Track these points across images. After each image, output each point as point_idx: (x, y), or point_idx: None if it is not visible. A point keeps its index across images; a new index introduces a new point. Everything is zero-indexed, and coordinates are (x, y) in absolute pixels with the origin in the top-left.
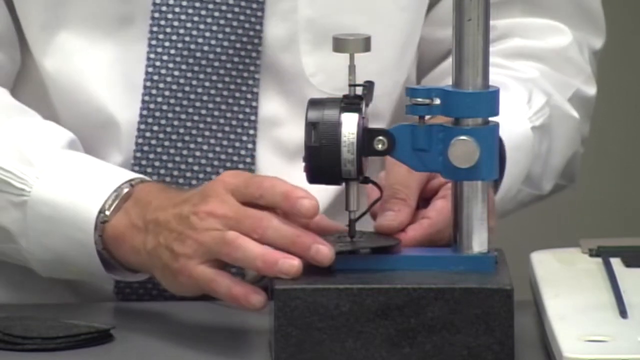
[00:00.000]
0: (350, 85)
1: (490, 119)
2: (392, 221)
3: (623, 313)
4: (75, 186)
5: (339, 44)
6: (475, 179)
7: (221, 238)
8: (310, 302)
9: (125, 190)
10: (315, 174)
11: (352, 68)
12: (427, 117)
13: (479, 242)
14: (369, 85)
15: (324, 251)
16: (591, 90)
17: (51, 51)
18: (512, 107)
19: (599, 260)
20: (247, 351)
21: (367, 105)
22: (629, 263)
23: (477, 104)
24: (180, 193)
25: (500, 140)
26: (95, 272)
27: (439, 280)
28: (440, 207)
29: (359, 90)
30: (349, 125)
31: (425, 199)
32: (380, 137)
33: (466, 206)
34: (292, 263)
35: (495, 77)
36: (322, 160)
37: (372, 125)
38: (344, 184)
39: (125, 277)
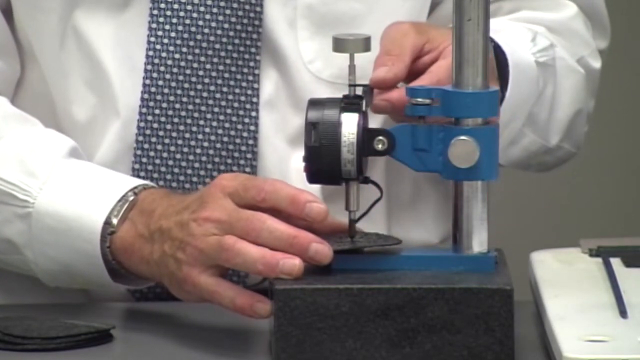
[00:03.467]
0: (350, 85)
1: (500, 44)
2: (387, 73)
3: (623, 313)
4: (79, 196)
5: (339, 44)
6: (475, 179)
7: (219, 244)
8: (310, 302)
9: (130, 199)
10: (315, 174)
11: (352, 68)
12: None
13: (479, 242)
14: (369, 85)
15: (322, 250)
16: (596, 63)
17: (68, 41)
18: (515, 40)
19: (599, 260)
20: (247, 351)
21: (367, 105)
22: (629, 263)
23: (477, 104)
24: (183, 198)
25: (504, 57)
26: (102, 281)
27: (439, 280)
28: (441, 64)
29: (359, 90)
30: (349, 125)
31: (416, 73)
32: (380, 137)
33: (466, 206)
34: (294, 263)
35: (497, 24)
36: (322, 160)
37: (373, 115)
38: (344, 184)
39: (134, 285)
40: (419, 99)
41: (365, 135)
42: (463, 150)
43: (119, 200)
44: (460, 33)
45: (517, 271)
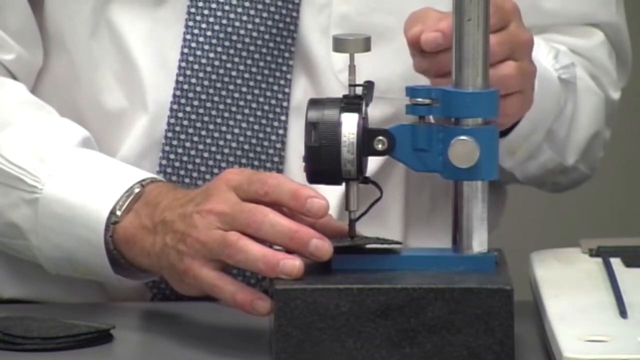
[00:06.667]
0: (350, 86)
1: None
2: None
3: (623, 313)
4: (87, 186)
5: (339, 44)
6: (475, 179)
7: (222, 240)
8: (310, 302)
9: (136, 190)
10: (315, 174)
11: (352, 68)
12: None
13: (479, 242)
14: (368, 85)
15: (323, 246)
16: (615, 94)
17: (100, 32)
18: (538, 54)
19: (599, 260)
20: (247, 351)
21: (367, 105)
22: (629, 263)
23: (477, 104)
24: (188, 192)
25: None
26: (103, 272)
27: (439, 280)
28: None
29: (359, 91)
30: (349, 125)
31: None
32: (380, 137)
33: (466, 206)
34: (294, 264)
35: None
36: (322, 160)
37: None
38: (344, 184)
39: (135, 278)
40: (419, 99)
41: (365, 135)
42: (463, 150)
43: (126, 192)
44: (460, 33)
45: (517, 271)
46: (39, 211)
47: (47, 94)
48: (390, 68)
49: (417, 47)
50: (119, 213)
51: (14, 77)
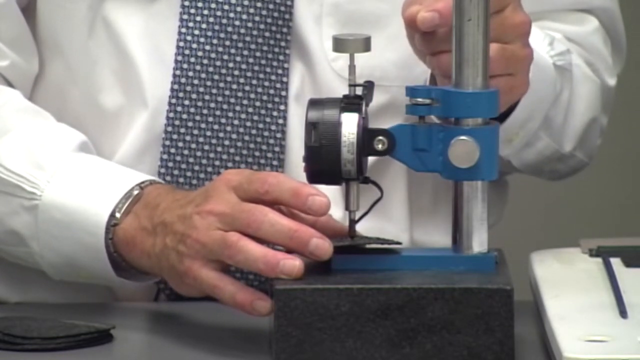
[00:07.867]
0: (350, 85)
1: None
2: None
3: (623, 313)
4: (86, 190)
5: (339, 44)
6: (475, 179)
7: (222, 240)
8: (310, 302)
9: (135, 192)
10: (315, 174)
11: (352, 68)
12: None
13: (479, 242)
14: (369, 85)
15: (323, 246)
16: (611, 80)
17: (97, 31)
18: (533, 41)
19: (599, 260)
20: (247, 351)
21: (367, 105)
22: (629, 263)
23: (477, 104)
24: (187, 194)
25: None
26: (105, 275)
27: (439, 280)
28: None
29: (359, 91)
30: (349, 125)
31: None
32: (380, 137)
33: (466, 206)
34: (294, 264)
35: None
36: (322, 160)
37: (392, 117)
38: (344, 184)
39: (136, 280)
40: (419, 99)
41: (365, 135)
42: (463, 150)
43: (125, 195)
44: (460, 33)
45: (517, 271)
46: (38, 218)
47: (43, 99)
48: (383, 55)
49: (413, 27)
50: (118, 215)
51: (10, 84)
